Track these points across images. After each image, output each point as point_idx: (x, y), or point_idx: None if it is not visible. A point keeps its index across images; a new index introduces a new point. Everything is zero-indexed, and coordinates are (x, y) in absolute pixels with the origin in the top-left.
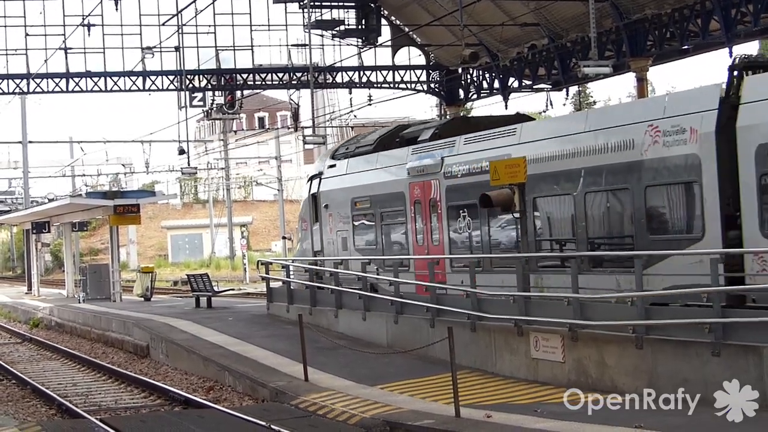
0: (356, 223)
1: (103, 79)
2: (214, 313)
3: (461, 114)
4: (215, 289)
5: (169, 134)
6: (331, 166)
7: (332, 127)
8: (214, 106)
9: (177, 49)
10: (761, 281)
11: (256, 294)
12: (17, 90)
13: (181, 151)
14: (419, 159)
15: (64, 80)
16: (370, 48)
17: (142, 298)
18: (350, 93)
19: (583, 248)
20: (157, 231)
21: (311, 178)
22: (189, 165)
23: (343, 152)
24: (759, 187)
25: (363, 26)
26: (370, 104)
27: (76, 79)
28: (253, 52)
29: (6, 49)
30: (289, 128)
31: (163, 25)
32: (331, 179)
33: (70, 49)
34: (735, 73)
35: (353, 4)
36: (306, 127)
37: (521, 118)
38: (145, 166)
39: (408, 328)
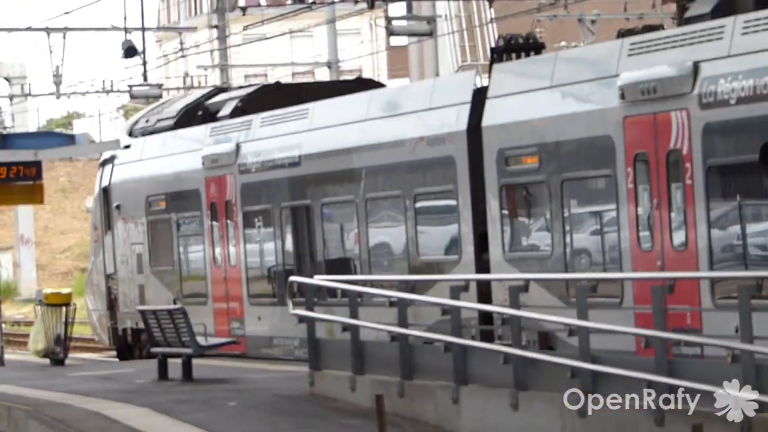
0: (152, 234)
1: None
2: (198, 393)
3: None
4: (200, 341)
5: (101, 17)
6: (127, 147)
7: None
8: None
9: None
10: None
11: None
12: None
13: (130, 51)
14: (216, 143)
15: None
16: None
17: (48, 360)
18: None
19: (366, 271)
20: (79, 218)
21: (103, 164)
22: (146, 80)
23: (141, 126)
24: (501, 200)
25: None
26: None
27: None
28: None
29: None
30: (357, 2)
31: None
32: (126, 167)
33: None
34: (496, 56)
35: None
36: (394, 0)
37: (363, 85)
38: (53, 84)
39: (611, 427)
